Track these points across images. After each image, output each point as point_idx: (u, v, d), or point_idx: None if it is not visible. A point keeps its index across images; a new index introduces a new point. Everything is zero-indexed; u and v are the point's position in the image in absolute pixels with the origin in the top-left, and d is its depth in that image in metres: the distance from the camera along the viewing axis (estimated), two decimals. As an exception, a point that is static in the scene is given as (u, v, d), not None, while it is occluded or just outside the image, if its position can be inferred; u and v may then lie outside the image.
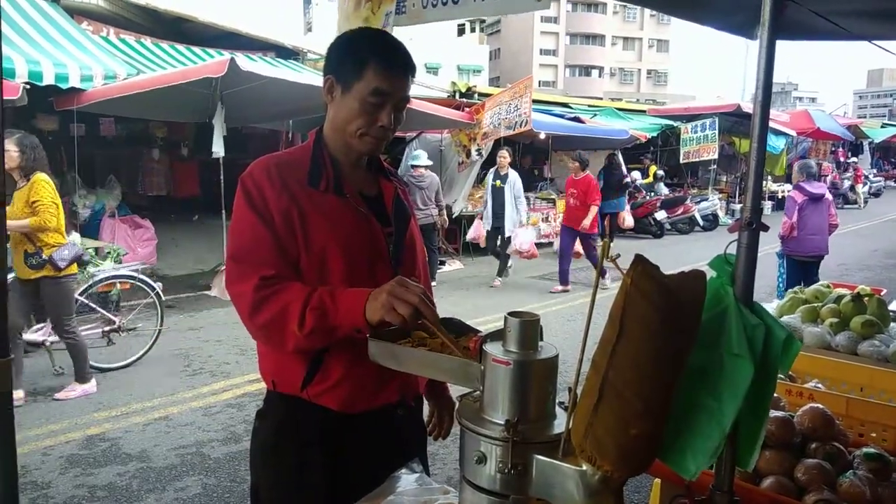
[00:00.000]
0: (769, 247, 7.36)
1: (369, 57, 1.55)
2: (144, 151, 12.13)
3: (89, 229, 8.71)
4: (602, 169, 13.50)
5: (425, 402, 1.90)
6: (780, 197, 17.36)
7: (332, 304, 1.44)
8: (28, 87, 7.26)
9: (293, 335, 1.46)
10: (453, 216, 11.35)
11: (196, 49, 10.90)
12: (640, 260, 1.02)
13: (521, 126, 10.45)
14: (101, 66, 8.19)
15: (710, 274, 1.27)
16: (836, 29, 2.49)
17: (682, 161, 15.79)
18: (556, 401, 1.23)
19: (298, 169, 1.60)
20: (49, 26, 8.78)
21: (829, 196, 6.93)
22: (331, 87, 1.61)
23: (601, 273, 1.29)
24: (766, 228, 1.24)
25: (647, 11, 63.54)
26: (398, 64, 1.58)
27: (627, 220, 13.94)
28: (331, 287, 1.49)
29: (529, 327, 1.18)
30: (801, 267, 6.79)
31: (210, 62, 8.17)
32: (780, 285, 7.06)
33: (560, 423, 1.15)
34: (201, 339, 6.48)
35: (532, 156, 15.16)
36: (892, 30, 2.81)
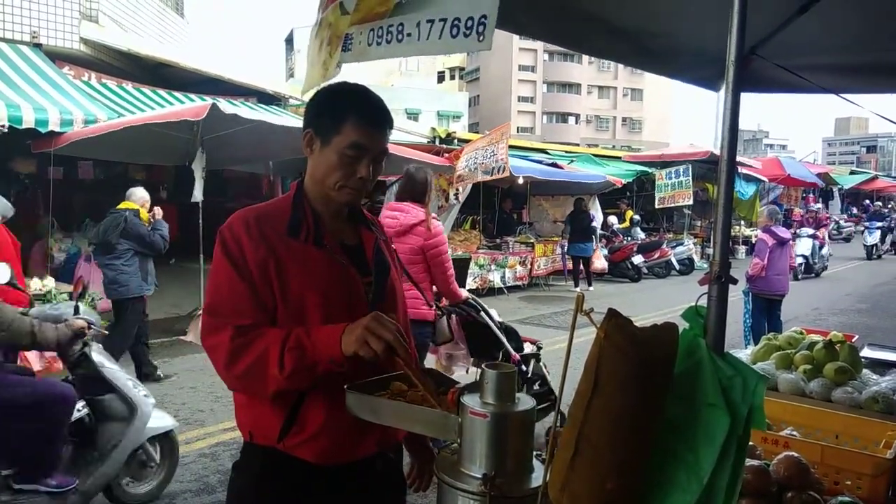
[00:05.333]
0: (735, 296, 7.63)
1: (347, 111, 1.58)
2: (122, 195, 12.06)
3: (64, 273, 8.58)
4: (569, 214, 13.71)
5: (405, 451, 1.89)
6: (753, 242, 17.71)
7: (309, 342, 1.45)
8: (6, 130, 7.25)
9: (274, 378, 1.46)
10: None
11: (178, 94, 10.98)
12: (612, 314, 1.05)
13: (499, 172, 10.58)
14: (82, 110, 8.20)
15: (683, 325, 1.29)
16: (802, 82, 2.60)
17: (657, 206, 16.08)
18: (534, 453, 1.24)
19: (279, 220, 1.62)
20: (30, 71, 8.81)
21: (791, 241, 7.88)
22: (310, 141, 1.64)
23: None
24: (734, 282, 1.27)
25: (622, 61, 65.23)
26: (376, 118, 1.62)
27: (597, 263, 14.09)
28: (306, 327, 1.51)
29: (506, 379, 1.19)
30: (767, 304, 7.40)
31: (191, 106, 8.22)
32: (747, 320, 7.62)
33: (537, 477, 1.16)
34: (175, 385, 6.36)
35: (512, 199, 15.36)
36: (855, 82, 2.94)
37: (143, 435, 3.69)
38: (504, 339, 4.56)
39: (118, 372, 3.67)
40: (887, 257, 21.91)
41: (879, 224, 22.10)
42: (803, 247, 15.32)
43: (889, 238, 22.88)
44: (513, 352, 4.52)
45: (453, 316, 4.61)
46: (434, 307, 4.33)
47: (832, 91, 2.79)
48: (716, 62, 2.42)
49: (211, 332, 1.53)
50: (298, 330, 1.49)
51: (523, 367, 4.50)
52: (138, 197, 6.61)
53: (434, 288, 4.40)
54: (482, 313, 4.60)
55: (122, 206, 6.42)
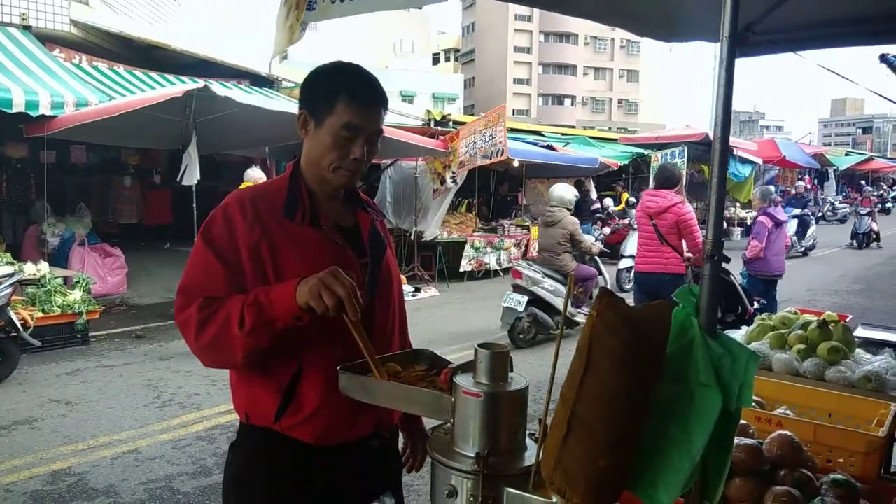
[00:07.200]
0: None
1: (340, 91, 1.57)
2: (116, 179, 12.01)
3: (58, 258, 8.57)
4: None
5: (400, 431, 1.90)
6: (748, 223, 17.53)
7: (266, 298, 1.45)
8: (-3, 114, 7.19)
9: (237, 338, 1.45)
10: (423, 239, 11.45)
11: (170, 76, 10.88)
12: (605, 293, 1.04)
13: (497, 155, 10.57)
14: (73, 93, 8.13)
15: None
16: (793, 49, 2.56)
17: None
18: (527, 432, 1.24)
19: (275, 201, 1.61)
20: (20, 53, 8.71)
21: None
22: (305, 122, 1.63)
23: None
24: (727, 260, 1.27)
25: (618, 43, 64.98)
26: (369, 97, 1.60)
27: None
28: (266, 286, 1.50)
29: (499, 359, 1.19)
30: (764, 285, 7.55)
31: (181, 87, 8.16)
32: None
33: (530, 455, 1.16)
34: (171, 369, 6.37)
35: (508, 182, 15.34)
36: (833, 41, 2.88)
37: None
38: (743, 295, 5.97)
39: None
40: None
41: (798, 211, 16.67)
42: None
43: (812, 231, 16.53)
44: (749, 307, 5.97)
45: None
46: (686, 263, 5.82)
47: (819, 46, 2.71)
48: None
49: (181, 310, 1.53)
50: (258, 289, 1.49)
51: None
52: (252, 176, 7.11)
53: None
54: (731, 276, 6.03)
55: (242, 186, 6.64)
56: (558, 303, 7.23)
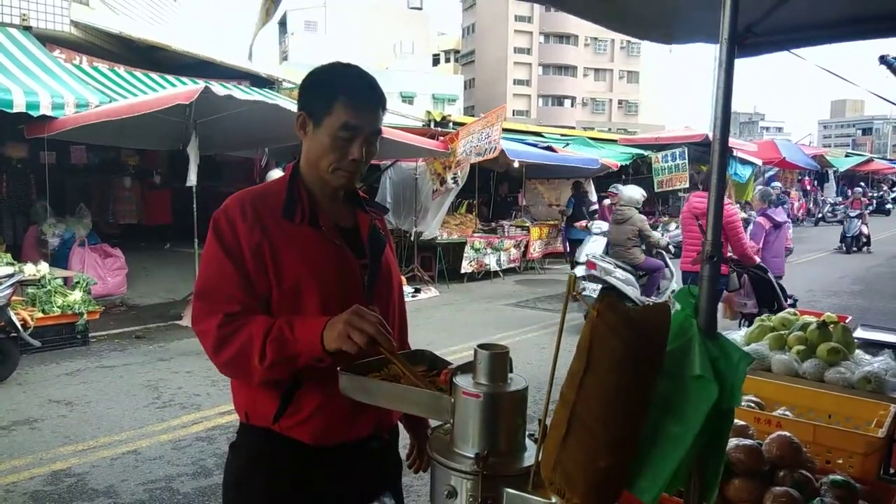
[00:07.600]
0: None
1: (338, 92, 1.57)
2: (115, 179, 12.02)
3: (59, 258, 8.56)
4: (573, 196, 13.76)
5: (402, 433, 1.90)
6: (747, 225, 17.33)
7: (291, 335, 1.45)
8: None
9: (256, 369, 1.47)
10: (422, 239, 11.47)
11: (170, 77, 10.89)
12: (606, 293, 1.04)
13: (490, 153, 10.59)
14: (73, 94, 8.14)
15: (676, 306, 1.29)
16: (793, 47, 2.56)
17: (656, 190, 16.04)
18: (527, 433, 1.24)
19: (274, 202, 1.61)
20: (20, 54, 8.72)
21: (788, 222, 8.09)
22: (303, 123, 1.63)
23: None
24: (727, 262, 1.27)
25: (618, 44, 65.00)
26: (367, 98, 1.60)
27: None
28: (290, 317, 1.50)
29: (499, 360, 1.19)
30: None
31: (182, 89, 8.16)
32: None
33: (530, 456, 1.16)
34: (171, 370, 6.36)
35: (508, 184, 15.35)
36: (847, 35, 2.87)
37: None
38: (780, 293, 6.44)
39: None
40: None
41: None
42: None
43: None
44: (785, 303, 6.27)
45: (745, 275, 6.39)
46: (729, 265, 5.98)
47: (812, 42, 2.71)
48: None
49: (200, 318, 1.54)
50: (281, 321, 1.48)
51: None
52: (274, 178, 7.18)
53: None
54: (769, 274, 6.50)
55: None
56: (629, 291, 7.74)
